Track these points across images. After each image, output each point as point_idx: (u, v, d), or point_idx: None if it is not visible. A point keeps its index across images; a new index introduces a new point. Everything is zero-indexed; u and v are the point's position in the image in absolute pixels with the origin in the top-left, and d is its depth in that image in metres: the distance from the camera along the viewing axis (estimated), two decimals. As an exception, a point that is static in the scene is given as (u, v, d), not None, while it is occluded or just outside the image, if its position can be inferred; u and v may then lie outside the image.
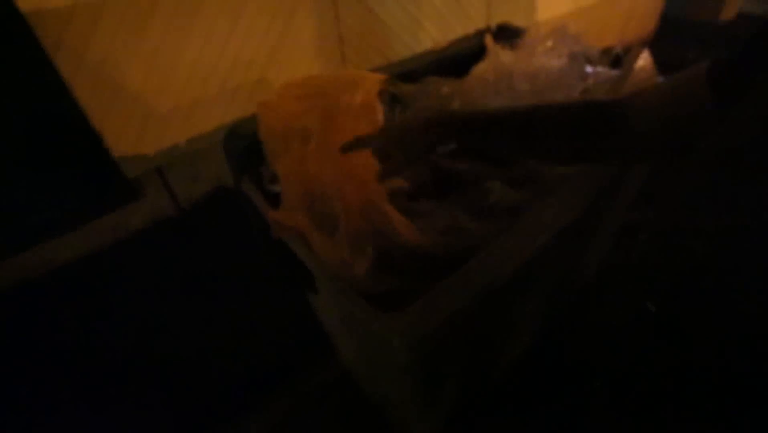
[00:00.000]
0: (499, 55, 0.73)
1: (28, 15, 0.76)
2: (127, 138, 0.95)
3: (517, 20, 1.47)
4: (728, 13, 2.23)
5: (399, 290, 0.54)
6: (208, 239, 1.09)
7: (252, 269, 1.03)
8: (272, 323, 1.04)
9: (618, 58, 0.75)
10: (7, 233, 0.88)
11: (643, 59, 0.67)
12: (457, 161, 0.64)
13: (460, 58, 0.86)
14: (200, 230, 1.09)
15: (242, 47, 0.99)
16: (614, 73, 0.63)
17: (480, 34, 0.90)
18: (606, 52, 0.76)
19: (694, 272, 1.04)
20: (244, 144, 0.63)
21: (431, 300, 0.50)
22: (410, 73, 0.80)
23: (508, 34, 0.89)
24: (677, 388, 0.88)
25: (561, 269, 0.81)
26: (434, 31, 1.25)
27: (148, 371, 0.98)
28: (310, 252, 0.54)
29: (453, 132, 0.49)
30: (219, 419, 0.96)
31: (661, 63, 0.70)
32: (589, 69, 0.61)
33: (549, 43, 0.64)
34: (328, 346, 0.97)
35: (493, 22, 1.23)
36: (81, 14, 0.81)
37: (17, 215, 0.88)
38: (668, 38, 2.17)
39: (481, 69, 0.73)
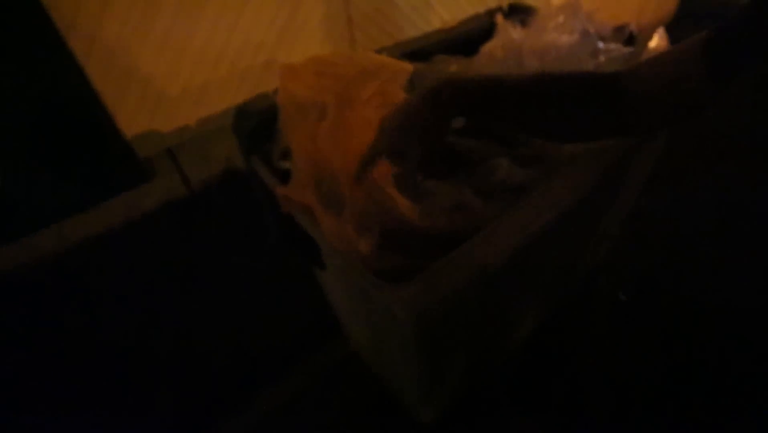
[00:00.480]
0: (509, 33, 0.72)
1: (41, -5, 0.77)
2: (138, 119, 0.96)
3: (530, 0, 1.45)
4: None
5: (403, 267, 0.54)
6: (219, 219, 1.11)
7: (261, 249, 1.05)
8: (282, 302, 1.06)
9: (632, 37, 0.74)
10: (20, 212, 0.91)
11: (658, 38, 0.66)
12: (464, 139, 0.64)
13: (470, 37, 0.85)
14: (211, 210, 1.11)
15: (252, 29, 0.99)
16: (627, 50, 0.61)
17: (491, 13, 0.89)
18: (619, 29, 0.75)
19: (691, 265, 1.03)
20: (253, 123, 0.64)
21: (435, 274, 0.51)
22: (419, 52, 0.79)
23: (519, 13, 0.88)
24: (676, 385, 0.88)
25: (567, 251, 0.81)
26: (445, 12, 1.23)
27: (159, 349, 1.01)
28: (317, 227, 0.54)
29: (457, 104, 0.46)
30: (228, 396, 0.99)
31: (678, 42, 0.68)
32: (600, 45, 0.60)
33: (560, 19, 0.63)
34: (337, 326, 0.99)
35: (505, 2, 1.21)
36: (92, -6, 0.81)
37: (30, 195, 0.91)
38: (688, 20, 2.10)
39: (490, 46, 0.72)
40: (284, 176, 0.61)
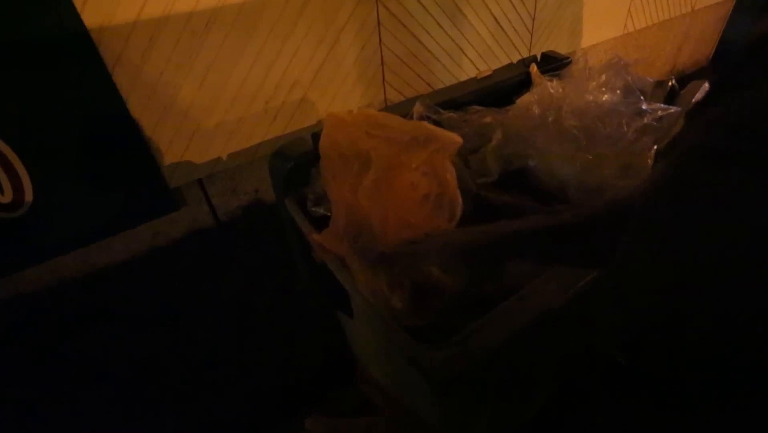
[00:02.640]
0: (546, 87, 0.72)
1: (92, 30, 0.81)
2: (173, 150, 0.98)
3: (561, 47, 1.46)
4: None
5: (435, 325, 0.53)
6: (244, 252, 1.11)
7: (285, 285, 1.04)
8: (301, 342, 1.04)
9: (674, 91, 0.73)
10: (55, 234, 0.92)
11: (702, 93, 0.65)
12: (499, 193, 0.64)
13: (503, 88, 0.86)
14: (237, 241, 1.11)
15: (288, 69, 1.02)
16: (672, 110, 0.61)
17: (523, 63, 0.90)
18: (660, 84, 0.74)
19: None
20: (289, 165, 0.64)
21: (470, 336, 0.49)
22: (453, 101, 0.80)
23: (552, 62, 0.89)
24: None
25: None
26: (477, 58, 1.25)
27: (170, 381, 0.99)
28: (349, 277, 0.54)
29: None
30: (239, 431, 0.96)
31: (720, 93, 0.67)
32: (644, 106, 0.60)
33: (603, 78, 0.63)
34: (356, 368, 0.96)
35: (537, 50, 1.23)
36: (140, 31, 0.85)
37: (66, 217, 0.92)
38: (727, 63, 2.03)
39: (525, 100, 0.72)
40: (317, 222, 0.61)
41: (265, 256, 1.12)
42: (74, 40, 0.80)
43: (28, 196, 0.83)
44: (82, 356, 0.97)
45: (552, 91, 0.70)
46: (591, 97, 0.62)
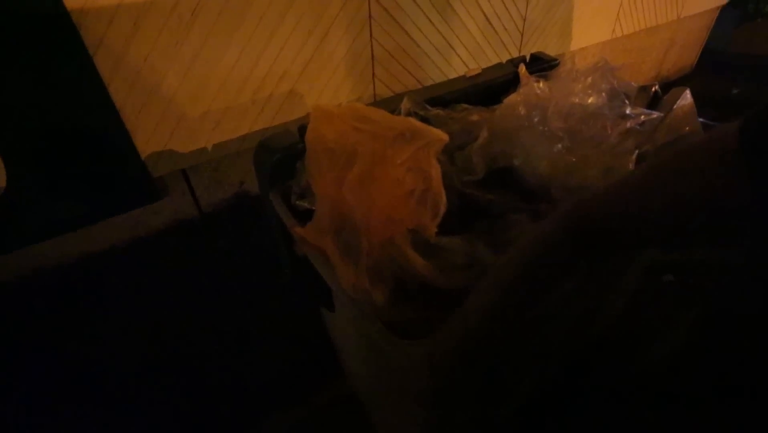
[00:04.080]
0: (533, 87, 0.72)
1: (73, 12, 0.78)
2: (156, 138, 0.96)
3: (551, 49, 1.48)
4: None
5: (416, 320, 0.53)
6: (226, 243, 1.10)
7: (267, 277, 1.03)
8: (282, 334, 1.04)
9: (657, 96, 0.74)
10: (30, 222, 0.90)
11: (684, 99, 0.66)
12: (484, 191, 0.64)
13: (491, 87, 0.86)
14: (219, 233, 1.10)
15: (276, 60, 1.01)
16: (654, 114, 0.62)
17: (513, 63, 0.90)
18: (644, 89, 0.75)
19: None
20: (275, 158, 0.63)
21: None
22: (442, 98, 0.80)
23: (541, 63, 0.89)
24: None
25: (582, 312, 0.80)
26: (466, 55, 1.25)
27: (152, 374, 0.98)
28: (331, 272, 0.53)
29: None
30: (223, 426, 0.95)
31: (703, 100, 0.68)
32: (629, 111, 0.61)
33: (588, 81, 0.64)
34: (337, 363, 0.96)
35: (527, 50, 1.24)
36: (124, 15, 0.83)
37: (41, 205, 0.90)
38: (710, 71, 2.06)
39: (513, 100, 0.72)
40: (301, 216, 0.60)
41: (248, 248, 1.11)
42: (54, 22, 0.77)
43: (1, 181, 0.81)
44: (55, 347, 0.94)
45: (538, 92, 0.70)
46: (576, 100, 0.63)
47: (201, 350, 1.02)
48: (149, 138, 0.95)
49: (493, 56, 1.32)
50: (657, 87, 0.69)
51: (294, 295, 0.81)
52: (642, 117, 0.60)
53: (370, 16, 1.07)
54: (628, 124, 0.57)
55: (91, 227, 0.98)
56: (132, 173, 0.95)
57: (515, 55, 1.19)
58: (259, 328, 1.06)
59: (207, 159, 1.02)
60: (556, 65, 0.88)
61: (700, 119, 0.62)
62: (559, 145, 0.64)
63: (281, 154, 0.63)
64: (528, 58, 0.96)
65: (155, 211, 1.03)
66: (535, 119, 0.64)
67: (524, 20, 1.34)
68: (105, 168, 0.94)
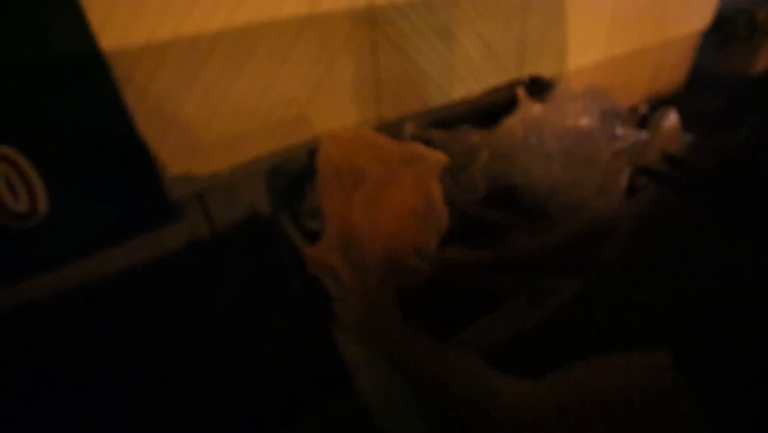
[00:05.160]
0: (530, 109, 0.76)
1: (106, 52, 0.85)
2: (175, 164, 1.02)
3: (547, 69, 1.52)
4: (759, 66, 2.23)
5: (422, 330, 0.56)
6: (240, 263, 1.14)
7: (279, 296, 1.07)
8: (296, 352, 1.06)
9: (645, 118, 0.78)
10: (61, 243, 0.95)
11: (670, 120, 0.70)
12: (485, 210, 0.67)
13: (491, 109, 0.91)
14: (233, 253, 1.14)
15: (286, 87, 1.06)
16: (643, 135, 0.65)
17: (512, 85, 0.95)
18: (633, 111, 0.79)
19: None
20: (286, 181, 0.67)
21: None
22: (445, 120, 0.85)
23: (539, 87, 0.94)
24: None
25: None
26: (468, 77, 1.30)
27: (163, 391, 1.01)
28: (341, 289, 0.57)
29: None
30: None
31: (689, 119, 0.71)
32: (619, 132, 0.64)
33: (580, 104, 0.67)
34: (347, 379, 0.98)
35: (524, 71, 1.28)
36: (149, 54, 0.89)
37: (73, 227, 0.95)
38: (697, 92, 2.18)
39: (511, 121, 0.76)
40: (311, 236, 0.64)
41: (261, 267, 1.14)
42: (89, 62, 0.84)
43: (43, 206, 0.86)
44: (81, 364, 0.98)
45: (535, 114, 0.74)
46: (570, 122, 0.67)
47: (213, 367, 1.05)
48: (168, 163, 1.01)
49: (492, 78, 1.37)
50: (646, 109, 0.73)
51: (304, 313, 0.84)
52: (631, 137, 0.63)
53: (374, 44, 1.13)
54: (619, 144, 0.61)
55: (110, 250, 1.02)
56: (154, 196, 1.01)
57: (514, 76, 1.24)
58: (270, 346, 1.09)
59: (221, 182, 1.07)
60: (552, 87, 0.93)
61: (688, 135, 0.65)
62: (556, 165, 0.67)
63: (291, 178, 0.67)
64: (526, 80, 1.01)
65: (173, 233, 1.08)
66: (532, 140, 0.68)
67: (522, 44, 1.39)
68: (131, 191, 1.00)
